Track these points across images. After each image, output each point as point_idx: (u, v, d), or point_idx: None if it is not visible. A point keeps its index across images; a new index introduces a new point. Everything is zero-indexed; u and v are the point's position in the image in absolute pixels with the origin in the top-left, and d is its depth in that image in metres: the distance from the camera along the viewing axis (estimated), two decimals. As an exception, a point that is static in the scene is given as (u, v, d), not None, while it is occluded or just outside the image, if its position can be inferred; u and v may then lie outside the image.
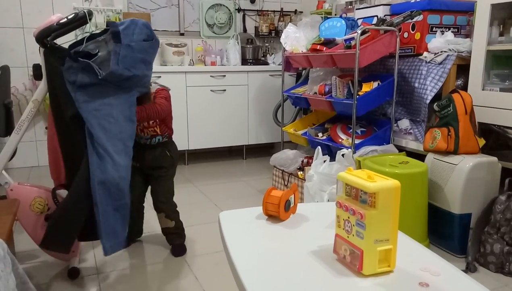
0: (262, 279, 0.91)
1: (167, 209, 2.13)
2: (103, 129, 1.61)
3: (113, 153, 1.61)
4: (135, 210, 2.12)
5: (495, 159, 2.07)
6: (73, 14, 1.70)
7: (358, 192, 0.93)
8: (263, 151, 4.39)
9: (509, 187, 2.02)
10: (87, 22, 1.73)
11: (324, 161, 2.37)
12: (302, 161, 2.82)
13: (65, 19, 1.67)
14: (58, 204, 1.76)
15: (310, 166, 2.54)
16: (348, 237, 0.95)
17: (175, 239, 2.18)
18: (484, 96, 2.22)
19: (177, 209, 2.18)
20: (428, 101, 2.35)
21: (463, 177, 2.02)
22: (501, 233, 1.92)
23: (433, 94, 2.34)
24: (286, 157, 2.87)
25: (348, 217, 0.94)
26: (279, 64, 4.07)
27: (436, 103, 2.22)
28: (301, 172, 2.75)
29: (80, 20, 1.67)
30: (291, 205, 1.27)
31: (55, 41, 1.70)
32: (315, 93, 2.82)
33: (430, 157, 2.21)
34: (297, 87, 3.26)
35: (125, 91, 1.69)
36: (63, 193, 1.77)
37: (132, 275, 1.92)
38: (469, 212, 2.05)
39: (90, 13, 1.73)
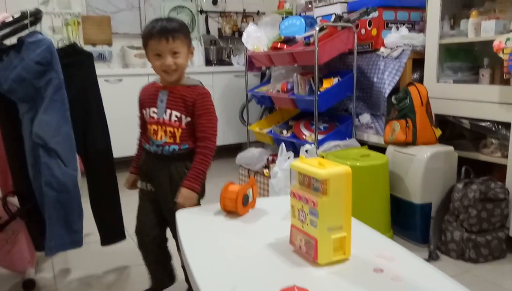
0: (216, 274, 0.89)
1: None
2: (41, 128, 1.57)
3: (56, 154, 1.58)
4: (150, 253, 1.57)
5: (451, 148, 2.13)
6: (20, 14, 1.63)
7: (311, 180, 0.92)
8: (230, 151, 4.35)
9: (465, 174, 2.08)
10: (38, 22, 1.66)
11: (289, 157, 2.37)
12: (268, 159, 2.82)
13: (11, 18, 1.60)
14: (10, 212, 1.68)
15: (275, 163, 2.54)
16: (302, 226, 0.94)
17: None
18: (439, 89, 2.29)
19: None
20: (386, 95, 2.40)
21: (421, 167, 2.07)
22: (460, 220, 1.97)
23: (390, 88, 2.39)
24: (252, 155, 2.87)
25: (302, 206, 0.94)
26: (243, 65, 4.06)
27: (393, 97, 2.26)
28: (267, 170, 2.75)
29: (25, 19, 1.60)
30: (250, 200, 1.25)
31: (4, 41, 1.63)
32: (278, 91, 2.83)
33: (390, 149, 2.26)
34: (261, 86, 3.27)
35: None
36: (14, 200, 1.69)
37: (91, 284, 1.86)
38: (429, 201, 2.10)
39: (38, 12, 1.66)
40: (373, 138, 2.57)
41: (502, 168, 2.05)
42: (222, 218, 1.21)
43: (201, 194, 1.50)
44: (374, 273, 0.87)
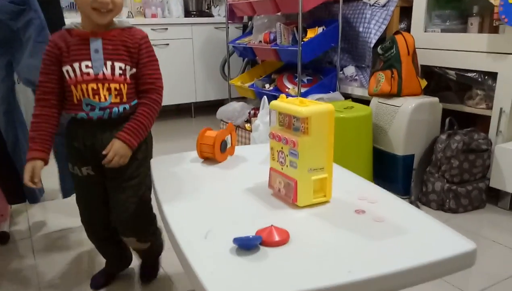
0: (191, 219, 0.84)
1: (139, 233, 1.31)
2: None
3: None
4: (103, 241, 1.38)
5: (436, 99, 2.09)
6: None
7: (291, 120, 0.86)
8: (212, 108, 4.24)
9: (449, 126, 2.05)
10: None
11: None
12: (249, 113, 2.75)
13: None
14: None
15: (257, 117, 2.47)
16: (282, 169, 0.89)
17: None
18: (426, 38, 2.22)
19: None
20: (372, 45, 2.32)
21: (406, 118, 2.03)
22: (442, 171, 1.96)
23: (377, 37, 2.31)
24: (233, 109, 2.79)
25: (282, 148, 0.88)
26: (224, 16, 3.90)
27: (379, 46, 2.19)
28: (249, 124, 2.69)
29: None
30: (228, 146, 1.19)
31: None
32: (260, 42, 2.72)
33: (374, 101, 2.21)
34: (243, 37, 3.14)
35: None
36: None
37: (67, 237, 1.81)
38: (412, 153, 2.08)
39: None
40: (357, 91, 2.52)
41: (486, 120, 2.03)
42: (198, 164, 1.15)
43: (147, 156, 1.24)
44: (355, 214, 0.83)
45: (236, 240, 0.70)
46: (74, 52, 1.12)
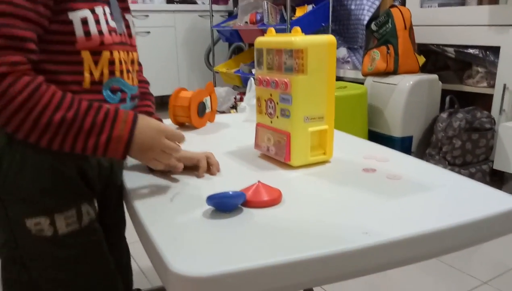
0: (155, 187, 0.66)
1: None
2: None
3: None
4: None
5: (435, 76, 1.95)
6: None
7: (282, 58, 0.69)
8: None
9: (450, 105, 1.91)
10: None
11: (257, 93, 2.14)
12: (235, 98, 2.57)
13: None
14: None
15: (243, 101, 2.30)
16: (271, 122, 0.72)
17: None
18: (423, 14, 2.08)
19: None
20: (365, 22, 2.18)
21: (403, 97, 1.88)
22: (443, 153, 1.81)
23: (370, 14, 2.17)
24: (218, 95, 2.61)
25: (270, 95, 0.71)
26: (208, 4, 3.73)
27: (373, 22, 2.04)
28: (234, 110, 2.51)
29: None
30: (207, 110, 1.02)
31: None
32: (246, 23, 2.56)
33: (369, 80, 2.05)
34: (228, 21, 2.97)
35: None
36: None
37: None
38: (410, 134, 1.93)
39: None
40: (350, 73, 2.36)
41: (487, 99, 1.90)
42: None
43: None
44: (364, 173, 0.66)
45: (210, 199, 0.52)
46: None
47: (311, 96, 0.67)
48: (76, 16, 0.56)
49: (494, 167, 1.82)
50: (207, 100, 1.01)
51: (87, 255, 0.63)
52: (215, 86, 3.28)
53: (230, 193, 0.53)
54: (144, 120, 0.58)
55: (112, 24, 0.61)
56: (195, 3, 3.87)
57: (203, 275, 0.40)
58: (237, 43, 3.05)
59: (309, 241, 0.45)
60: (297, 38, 0.65)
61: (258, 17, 2.48)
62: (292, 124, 0.67)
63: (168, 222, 0.52)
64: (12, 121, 0.52)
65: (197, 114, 0.97)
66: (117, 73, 0.62)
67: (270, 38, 0.71)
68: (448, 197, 0.56)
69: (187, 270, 0.40)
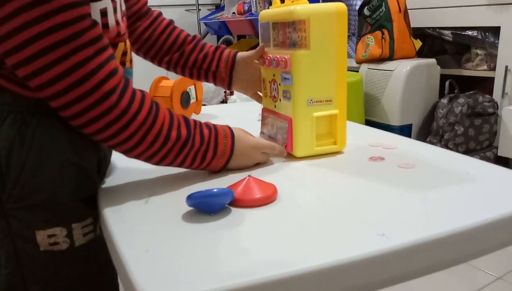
0: (130, 188, 0.57)
1: None
2: None
3: None
4: None
5: (433, 61, 1.86)
6: None
7: (286, 33, 0.59)
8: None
9: (450, 89, 1.83)
10: None
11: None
12: (225, 92, 2.47)
13: None
14: None
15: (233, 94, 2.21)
16: (275, 106, 0.63)
17: None
18: (418, -3, 1.99)
19: None
20: (357, 7, 2.08)
21: (401, 83, 1.79)
22: (445, 140, 1.73)
23: (362, -2, 2.07)
24: (207, 90, 2.50)
25: (274, 75, 0.62)
26: (195, -2, 3.62)
27: (366, 7, 1.95)
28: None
29: None
30: (192, 100, 0.92)
31: None
32: (234, 13, 2.46)
33: (363, 68, 1.97)
34: (215, 13, 2.87)
35: None
36: None
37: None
38: (409, 122, 1.85)
39: None
40: (343, 62, 2.27)
41: (488, 83, 1.82)
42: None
43: None
44: (371, 162, 0.57)
45: (191, 199, 0.43)
46: None
47: (316, 75, 0.57)
48: (96, 8, 0.48)
49: (499, 154, 1.75)
50: (191, 89, 0.91)
51: (99, 271, 0.54)
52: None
53: (215, 190, 0.43)
54: (240, 133, 0.57)
55: (124, 8, 0.56)
56: (181, -3, 3.76)
57: (177, 300, 0.30)
58: (226, 36, 2.95)
59: (310, 248, 0.36)
60: (297, 6, 0.55)
61: (246, 7, 2.39)
62: (294, 108, 0.57)
63: (140, 229, 0.43)
64: (133, 139, 0.48)
65: (180, 106, 0.88)
66: (128, 64, 0.58)
67: (274, 10, 0.61)
68: (476, 187, 0.48)
69: (156, 294, 0.31)
